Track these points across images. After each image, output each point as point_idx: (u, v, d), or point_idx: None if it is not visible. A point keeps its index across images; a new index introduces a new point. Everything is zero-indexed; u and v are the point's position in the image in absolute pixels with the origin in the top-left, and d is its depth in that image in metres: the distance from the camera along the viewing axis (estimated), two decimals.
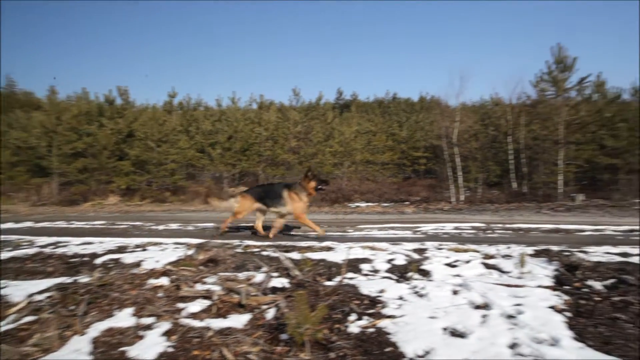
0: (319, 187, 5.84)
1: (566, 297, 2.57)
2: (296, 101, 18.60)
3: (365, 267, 3.52)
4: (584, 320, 2.21)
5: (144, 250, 4.31)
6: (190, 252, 3.95)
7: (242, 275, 3.26)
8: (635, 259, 3.72)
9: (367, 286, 2.94)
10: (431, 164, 15.75)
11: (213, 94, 40.06)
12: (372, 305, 2.62)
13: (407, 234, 6.05)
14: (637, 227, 6.44)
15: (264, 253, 4.06)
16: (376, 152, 15.62)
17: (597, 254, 3.97)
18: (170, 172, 14.01)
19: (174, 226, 7.37)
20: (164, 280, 3.01)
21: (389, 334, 2.22)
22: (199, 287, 2.90)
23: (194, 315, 2.49)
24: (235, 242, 4.90)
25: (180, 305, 2.62)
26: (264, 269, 3.38)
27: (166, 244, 4.72)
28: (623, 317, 2.25)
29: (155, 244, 4.75)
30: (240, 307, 2.55)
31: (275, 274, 3.28)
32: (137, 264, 3.61)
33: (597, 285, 2.82)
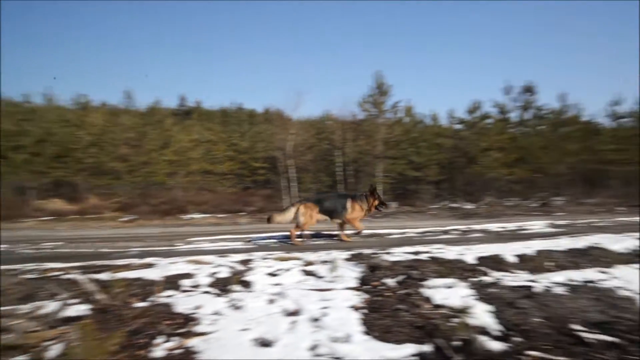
0: (379, 207, 6.47)
1: (365, 296, 2.90)
2: (129, 104, 16.89)
3: (185, 282, 3.34)
4: (374, 315, 2.52)
5: None
6: None
7: (27, 307, 2.70)
8: (423, 256, 4.50)
9: (183, 303, 2.79)
10: (270, 175, 16.24)
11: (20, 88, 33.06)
12: (185, 323, 2.49)
13: (238, 245, 6.04)
14: (431, 229, 7.86)
15: (66, 277, 3.48)
16: (216, 162, 15.30)
17: (397, 253, 4.65)
18: None
19: None
20: None
21: (197, 352, 2.13)
22: None
23: None
24: (31, 266, 4.08)
25: None
26: (61, 296, 2.88)
27: None
28: (403, 307, 2.66)
29: None
30: (11, 349, 2.09)
31: (74, 301, 2.83)
32: None
33: (391, 282, 3.28)
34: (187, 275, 3.49)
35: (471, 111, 13.71)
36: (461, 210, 10.94)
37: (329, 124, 16.83)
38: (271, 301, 2.82)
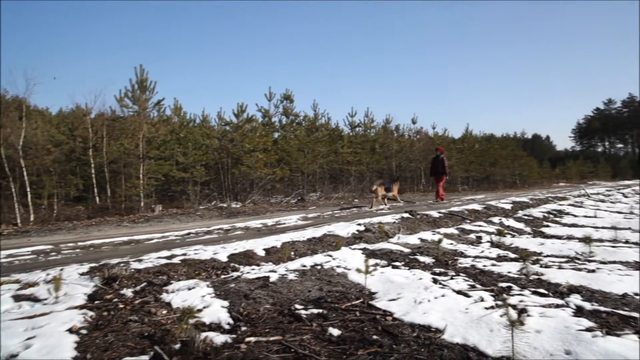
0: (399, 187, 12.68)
1: (92, 313, 2.55)
2: None
3: None
4: (97, 333, 2.24)
5: None
6: None
7: None
8: (176, 260, 4.36)
9: None
10: None
11: None
12: None
13: None
14: (195, 230, 7.76)
15: None
16: None
17: (149, 260, 4.35)
18: None
19: None
20: None
21: None
22: None
23: None
24: None
25: None
26: None
27: None
28: (136, 317, 2.47)
29: None
30: None
31: None
32: None
33: (129, 292, 3.02)
34: None
35: (237, 114, 14.34)
36: (228, 209, 11.29)
37: (82, 119, 14.39)
38: None
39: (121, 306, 2.68)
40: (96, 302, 2.81)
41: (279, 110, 18.20)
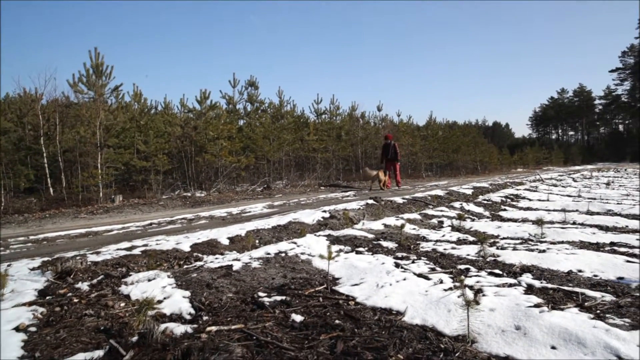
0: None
1: (42, 309, 2.43)
2: None
3: None
4: (48, 330, 2.13)
5: None
6: None
7: None
8: (137, 251, 4.23)
9: None
10: None
11: None
12: None
13: None
14: (158, 220, 7.54)
15: None
16: None
17: (108, 252, 4.20)
18: None
19: None
20: None
21: None
22: None
23: None
24: None
25: None
26: None
27: None
28: (91, 312, 2.38)
29: None
30: None
31: None
32: None
33: (85, 285, 2.90)
34: None
35: (200, 101, 13.93)
36: (192, 198, 11.02)
37: (30, 105, 13.54)
38: None
39: (75, 300, 2.57)
40: (48, 297, 2.67)
41: (244, 97, 17.88)
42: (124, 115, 13.03)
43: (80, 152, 11.54)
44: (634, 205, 7.72)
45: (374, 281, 2.94)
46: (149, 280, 2.92)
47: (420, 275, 3.06)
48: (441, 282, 2.88)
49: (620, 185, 13.71)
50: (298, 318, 2.32)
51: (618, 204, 8.01)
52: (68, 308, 2.45)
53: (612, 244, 4.33)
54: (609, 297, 2.49)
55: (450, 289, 2.68)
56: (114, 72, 12.61)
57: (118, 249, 4.38)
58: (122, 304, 2.55)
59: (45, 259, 3.88)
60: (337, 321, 2.27)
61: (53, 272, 3.14)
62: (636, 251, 3.90)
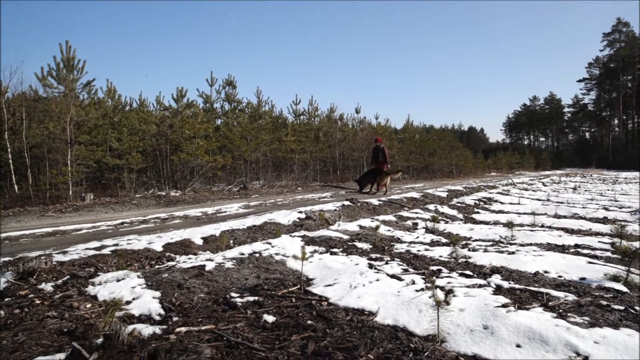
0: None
1: (0, 312, 2.33)
2: None
3: None
4: (6, 333, 2.04)
5: None
6: None
7: None
8: (106, 251, 4.11)
9: None
10: None
11: None
12: None
13: None
14: (130, 220, 7.35)
15: None
16: None
17: (76, 252, 4.06)
18: None
19: None
20: None
21: None
22: None
23: None
24: None
25: None
26: None
27: None
28: (54, 313, 2.29)
29: None
30: None
31: None
32: None
33: (49, 286, 2.79)
34: None
35: (177, 99, 13.67)
36: (166, 198, 10.79)
37: None
38: None
39: (38, 302, 2.47)
40: (7, 299, 2.56)
41: (221, 96, 17.63)
42: (97, 111, 12.64)
43: (49, 148, 11.11)
44: (597, 209, 8.05)
45: (347, 282, 2.96)
46: (118, 280, 2.84)
47: (393, 276, 3.10)
48: (413, 283, 2.92)
49: (585, 190, 14.26)
50: (270, 318, 2.31)
51: (583, 207, 8.33)
52: (29, 310, 2.35)
53: (577, 246, 4.51)
54: (571, 297, 2.59)
55: (422, 289, 2.72)
56: (87, 67, 12.24)
57: (87, 249, 4.25)
58: (89, 305, 2.48)
59: (7, 259, 3.72)
60: (309, 322, 2.27)
61: (14, 272, 3.01)
62: (597, 253, 4.07)
